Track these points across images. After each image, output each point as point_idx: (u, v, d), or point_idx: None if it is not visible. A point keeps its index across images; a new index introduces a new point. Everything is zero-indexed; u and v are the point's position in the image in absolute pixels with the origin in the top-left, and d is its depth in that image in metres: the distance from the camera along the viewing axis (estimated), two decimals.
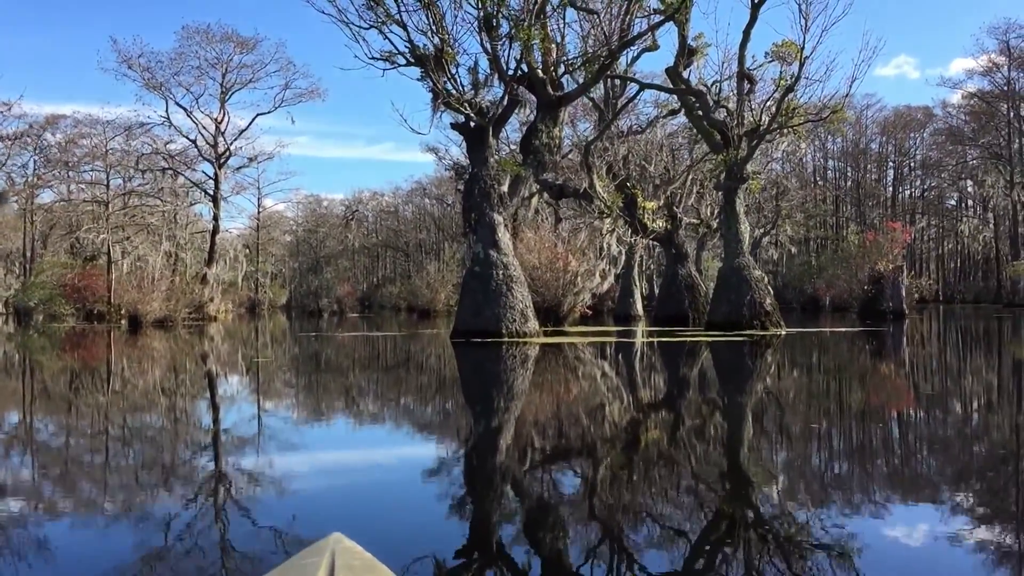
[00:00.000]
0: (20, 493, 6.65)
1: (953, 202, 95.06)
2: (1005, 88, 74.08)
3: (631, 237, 36.94)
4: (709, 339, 24.64)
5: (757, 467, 7.54)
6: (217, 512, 6.00)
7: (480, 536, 5.35)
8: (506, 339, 23.14)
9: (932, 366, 18.06)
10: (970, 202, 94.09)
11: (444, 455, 8.57)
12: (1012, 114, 75.40)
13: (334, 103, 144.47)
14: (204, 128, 57.69)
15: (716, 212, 43.30)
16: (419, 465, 7.87)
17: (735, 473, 7.34)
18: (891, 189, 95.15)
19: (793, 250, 68.35)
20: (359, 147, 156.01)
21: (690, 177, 41.07)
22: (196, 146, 58.28)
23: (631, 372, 17.30)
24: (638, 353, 22.09)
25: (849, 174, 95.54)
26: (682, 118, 45.14)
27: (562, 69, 25.02)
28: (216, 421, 10.99)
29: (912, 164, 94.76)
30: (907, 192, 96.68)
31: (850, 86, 25.85)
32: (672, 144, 44.84)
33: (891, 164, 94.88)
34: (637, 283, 48.60)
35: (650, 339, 26.12)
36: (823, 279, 61.74)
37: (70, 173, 67.41)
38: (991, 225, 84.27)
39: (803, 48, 25.15)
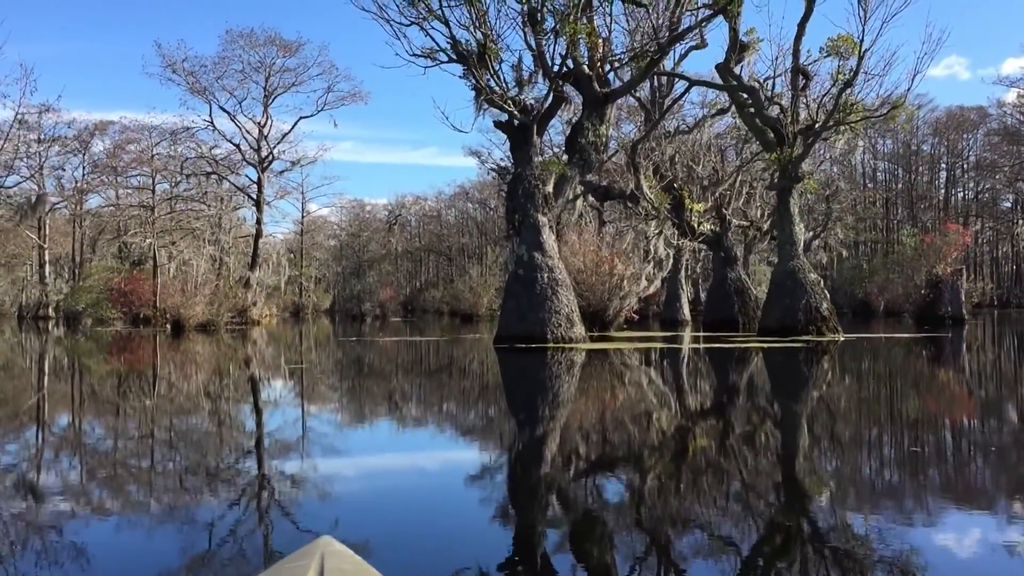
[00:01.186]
0: (60, 493, 6.76)
1: (1008, 204, 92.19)
2: None
3: (679, 240, 35.93)
4: (764, 345, 23.58)
5: (852, 508, 6.66)
6: (259, 516, 6.10)
7: (516, 551, 5.13)
8: (551, 345, 22.34)
9: (1016, 376, 16.93)
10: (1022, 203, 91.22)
11: (484, 468, 7.97)
12: None
13: (377, 108, 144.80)
14: (247, 132, 57.73)
15: (766, 214, 42.07)
16: (458, 477, 7.56)
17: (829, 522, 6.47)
18: (943, 191, 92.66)
19: (844, 253, 66.54)
20: (403, 152, 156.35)
21: (739, 178, 39.90)
22: (240, 150, 58.32)
23: (686, 383, 16.41)
24: (691, 361, 21.14)
25: (900, 175, 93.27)
26: (730, 118, 44.05)
27: (609, 65, 24.19)
28: (252, 428, 10.35)
29: (965, 166, 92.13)
30: (960, 194, 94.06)
31: (912, 80, 24.91)
32: (720, 144, 43.67)
33: (943, 165, 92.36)
34: (684, 287, 47.46)
35: (701, 345, 25.13)
36: (875, 283, 60.00)
37: (118, 178, 68.06)
38: None
39: (862, 41, 24.01)
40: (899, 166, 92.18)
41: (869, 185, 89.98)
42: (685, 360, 21.15)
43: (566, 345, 22.46)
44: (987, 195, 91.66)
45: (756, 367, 18.96)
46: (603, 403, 12.64)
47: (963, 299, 41.90)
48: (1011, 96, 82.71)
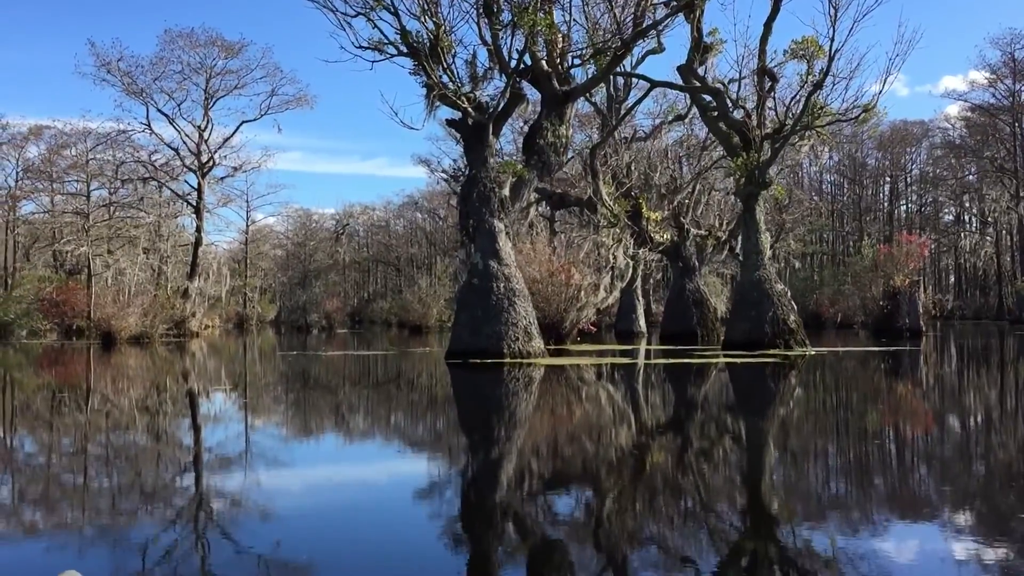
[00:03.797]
0: None
1: (951, 217, 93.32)
2: (1008, 100, 72.25)
3: (636, 249, 34.66)
4: (736, 360, 22.03)
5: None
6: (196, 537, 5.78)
7: None
8: (508, 360, 20.75)
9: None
10: (966, 217, 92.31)
11: (442, 500, 7.16)
12: (1017, 127, 73.62)
13: (326, 119, 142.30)
14: (187, 136, 55.39)
15: (724, 223, 41.04)
16: (411, 505, 7.05)
17: None
18: (887, 204, 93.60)
19: (797, 264, 66.16)
20: (352, 162, 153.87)
21: (697, 187, 38.77)
22: (179, 155, 55.97)
23: (667, 407, 14.96)
24: (664, 379, 19.62)
25: (845, 188, 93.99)
26: (682, 127, 43.04)
27: (569, 61, 22.80)
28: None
29: (908, 179, 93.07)
30: (904, 207, 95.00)
31: (883, 82, 23.47)
32: (677, 152, 42.56)
33: (887, 179, 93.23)
34: (639, 298, 46.26)
35: (667, 360, 23.59)
36: (824, 295, 59.53)
37: (53, 185, 65.15)
38: (992, 240, 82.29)
39: (832, 40, 22.86)
40: (845, 178, 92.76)
41: (815, 198, 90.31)
42: (658, 378, 19.65)
43: (524, 360, 20.90)
44: (930, 208, 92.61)
45: (740, 387, 17.44)
46: (576, 432, 11.13)
47: (920, 311, 41.32)
48: (954, 110, 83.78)
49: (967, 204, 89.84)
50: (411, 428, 12.33)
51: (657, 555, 5.43)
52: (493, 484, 7.60)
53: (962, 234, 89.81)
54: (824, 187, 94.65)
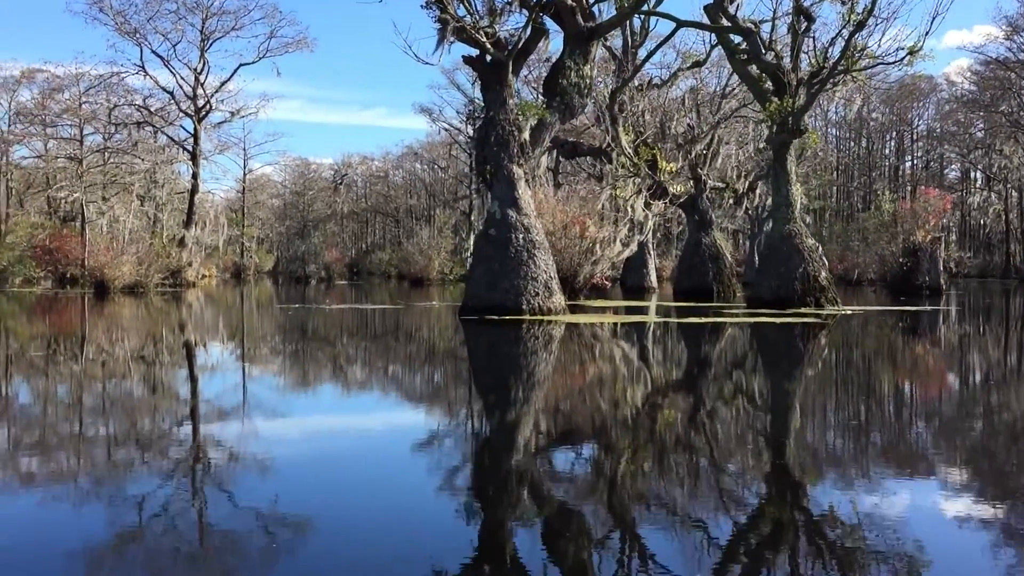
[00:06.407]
0: None
1: (956, 174, 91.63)
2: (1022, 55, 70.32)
3: (653, 200, 33.16)
4: (772, 320, 20.40)
5: None
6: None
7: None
8: (527, 316, 19.41)
9: None
10: (973, 174, 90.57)
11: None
12: None
13: (326, 68, 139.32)
14: (183, 79, 53.54)
15: (743, 176, 39.45)
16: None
17: None
18: (892, 160, 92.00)
19: (808, 219, 64.62)
20: (351, 112, 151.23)
21: (716, 136, 37.07)
22: (174, 99, 54.14)
23: (712, 375, 13.63)
24: (703, 340, 18.08)
25: (852, 145, 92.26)
26: (693, 76, 41.19)
27: None
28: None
29: (914, 135, 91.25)
30: (909, 163, 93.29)
31: (931, 21, 21.86)
32: (696, 100, 40.73)
33: (893, 135, 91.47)
34: (651, 252, 44.88)
35: (698, 319, 21.95)
36: (834, 251, 58.14)
37: (47, 130, 63.31)
38: (1000, 198, 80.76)
39: None
40: (852, 132, 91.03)
41: (820, 152, 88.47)
42: (703, 339, 18.11)
43: (544, 317, 19.55)
44: (936, 165, 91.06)
45: (800, 350, 15.97)
46: (623, 404, 9.83)
47: (941, 268, 40.02)
48: (965, 64, 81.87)
49: (974, 161, 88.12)
50: (443, 395, 11.08)
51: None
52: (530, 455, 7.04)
53: (972, 191, 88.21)
54: (829, 141, 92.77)
